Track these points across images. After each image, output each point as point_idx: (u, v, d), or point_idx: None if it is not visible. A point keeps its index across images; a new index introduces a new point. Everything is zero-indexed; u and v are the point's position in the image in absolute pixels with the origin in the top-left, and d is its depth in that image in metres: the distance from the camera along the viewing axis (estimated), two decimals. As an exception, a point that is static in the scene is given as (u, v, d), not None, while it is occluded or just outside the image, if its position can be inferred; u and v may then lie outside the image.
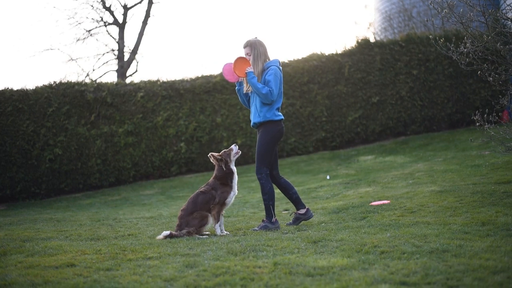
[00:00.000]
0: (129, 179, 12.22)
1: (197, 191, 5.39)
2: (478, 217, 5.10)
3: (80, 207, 9.52)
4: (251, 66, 5.40)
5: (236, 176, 5.42)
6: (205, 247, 4.53)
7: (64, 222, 6.99)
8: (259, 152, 5.40)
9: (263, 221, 5.46)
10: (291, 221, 5.65)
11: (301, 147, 13.00)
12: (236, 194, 5.47)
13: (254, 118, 5.47)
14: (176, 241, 4.96)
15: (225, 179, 5.35)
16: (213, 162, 5.44)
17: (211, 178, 5.44)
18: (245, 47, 5.49)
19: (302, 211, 5.57)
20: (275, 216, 5.43)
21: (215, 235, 5.24)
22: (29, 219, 7.54)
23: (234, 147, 5.45)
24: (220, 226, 5.30)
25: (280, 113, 5.47)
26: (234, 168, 5.42)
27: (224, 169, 5.34)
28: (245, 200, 8.23)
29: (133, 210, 8.25)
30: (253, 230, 5.41)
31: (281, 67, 5.56)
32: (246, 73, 5.37)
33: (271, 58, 5.55)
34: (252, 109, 5.50)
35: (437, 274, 3.44)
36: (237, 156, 5.45)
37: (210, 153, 5.46)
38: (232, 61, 5.43)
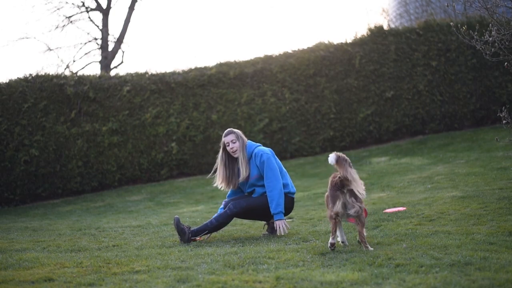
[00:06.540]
0: (114, 183, 12.22)
1: None
2: (505, 226, 5.10)
3: (59, 214, 9.52)
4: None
5: None
6: (199, 260, 4.54)
7: (41, 232, 6.99)
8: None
9: None
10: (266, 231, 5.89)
11: (306, 148, 13.01)
12: None
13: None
14: (167, 252, 4.96)
15: None
16: None
17: None
18: (228, 134, 5.69)
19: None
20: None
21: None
22: (1, 228, 7.54)
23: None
24: None
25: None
26: None
27: None
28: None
29: (118, 218, 8.25)
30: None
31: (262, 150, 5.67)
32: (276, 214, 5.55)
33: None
34: None
35: (459, 289, 3.44)
36: None
37: None
38: None
